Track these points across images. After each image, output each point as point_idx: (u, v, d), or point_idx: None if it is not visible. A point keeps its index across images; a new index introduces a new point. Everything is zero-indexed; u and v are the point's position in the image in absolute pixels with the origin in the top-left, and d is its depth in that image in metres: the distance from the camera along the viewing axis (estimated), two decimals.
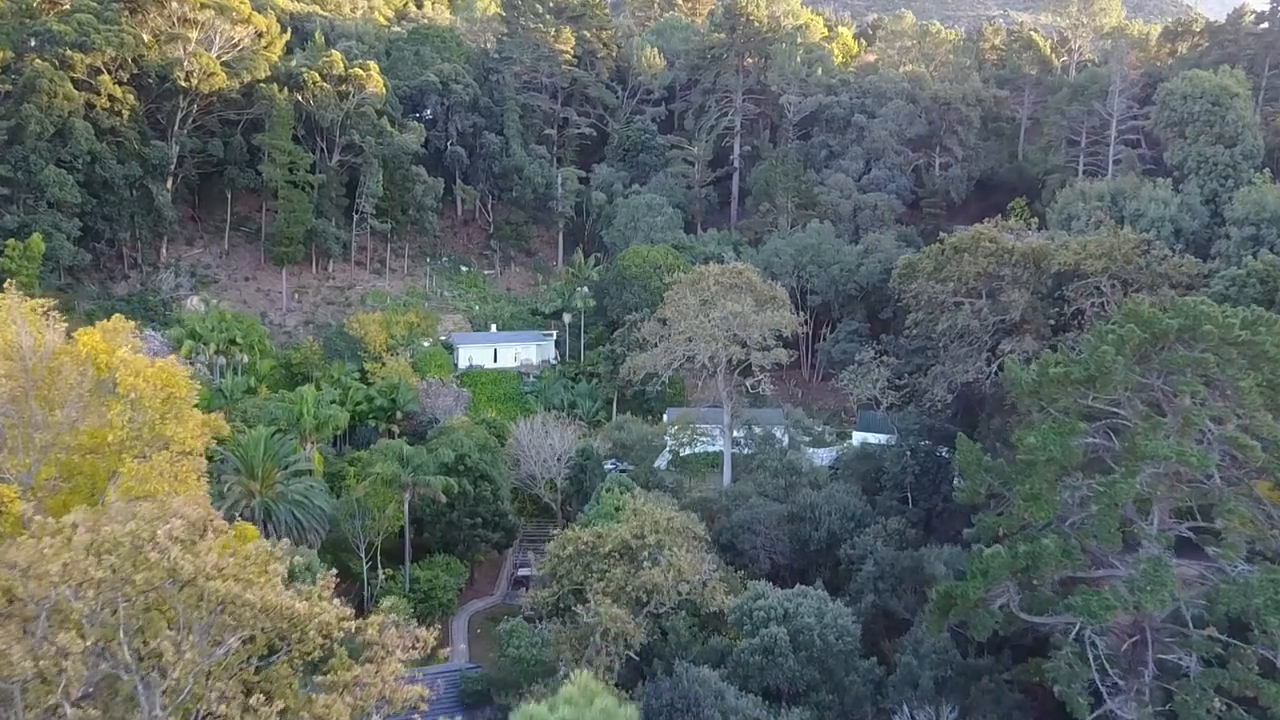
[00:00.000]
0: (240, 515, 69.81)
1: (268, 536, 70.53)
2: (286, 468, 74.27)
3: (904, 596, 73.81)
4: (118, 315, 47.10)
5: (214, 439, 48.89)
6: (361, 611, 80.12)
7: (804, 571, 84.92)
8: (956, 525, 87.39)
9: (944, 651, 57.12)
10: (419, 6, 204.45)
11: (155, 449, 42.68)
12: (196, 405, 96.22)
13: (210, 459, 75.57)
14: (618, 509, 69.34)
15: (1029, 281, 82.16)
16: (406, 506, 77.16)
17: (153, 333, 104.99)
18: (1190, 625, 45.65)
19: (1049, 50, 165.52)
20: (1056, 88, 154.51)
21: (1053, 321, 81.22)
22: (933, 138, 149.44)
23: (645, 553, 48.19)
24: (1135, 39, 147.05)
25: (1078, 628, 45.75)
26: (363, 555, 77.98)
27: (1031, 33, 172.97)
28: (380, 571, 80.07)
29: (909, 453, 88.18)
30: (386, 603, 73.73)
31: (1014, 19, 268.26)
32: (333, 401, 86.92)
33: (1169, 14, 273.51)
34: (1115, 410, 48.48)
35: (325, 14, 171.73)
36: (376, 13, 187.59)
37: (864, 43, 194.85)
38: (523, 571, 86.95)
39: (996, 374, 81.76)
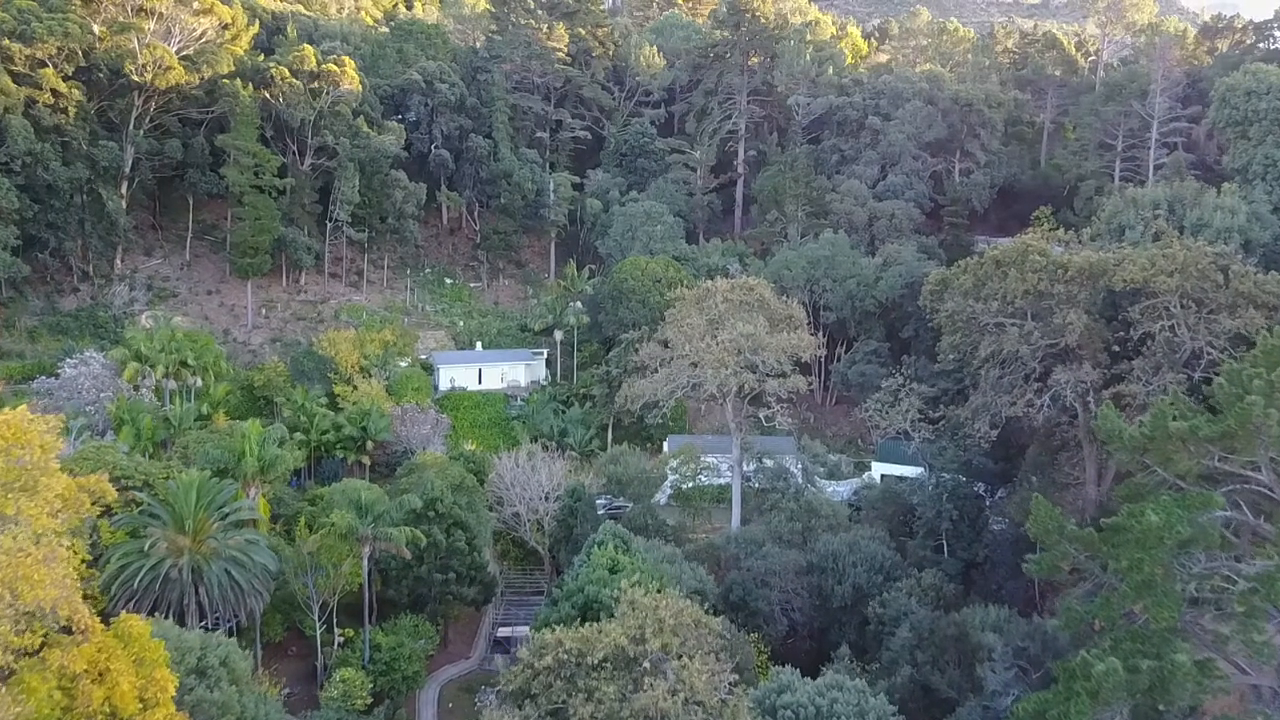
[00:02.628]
0: (166, 576, 59.19)
1: (198, 601, 60.07)
2: (226, 517, 63.46)
3: (947, 670, 63.00)
4: None
5: (95, 501, 37.90)
6: (315, 682, 69.92)
7: (825, 631, 74.63)
8: (999, 578, 76.97)
9: None
10: (409, 8, 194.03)
11: None
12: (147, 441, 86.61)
13: (138, 505, 65.30)
14: (612, 570, 58.71)
15: (1085, 301, 71.54)
16: (367, 561, 66.36)
17: (95, 354, 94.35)
18: None
19: (1074, 50, 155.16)
20: (1084, 89, 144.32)
21: (1116, 347, 70.51)
22: (952, 142, 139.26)
23: (646, 662, 37.49)
24: (1173, 36, 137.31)
25: None
26: (316, 615, 67.15)
27: (1055, 32, 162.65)
28: (337, 633, 69.30)
29: (944, 495, 77.52)
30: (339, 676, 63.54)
31: (1019, 26, 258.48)
32: (283, 440, 75.90)
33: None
34: (1249, 474, 37.93)
35: (309, 14, 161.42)
36: (363, 13, 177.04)
37: (874, 43, 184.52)
38: (504, 631, 76.18)
39: (1048, 406, 71.12)
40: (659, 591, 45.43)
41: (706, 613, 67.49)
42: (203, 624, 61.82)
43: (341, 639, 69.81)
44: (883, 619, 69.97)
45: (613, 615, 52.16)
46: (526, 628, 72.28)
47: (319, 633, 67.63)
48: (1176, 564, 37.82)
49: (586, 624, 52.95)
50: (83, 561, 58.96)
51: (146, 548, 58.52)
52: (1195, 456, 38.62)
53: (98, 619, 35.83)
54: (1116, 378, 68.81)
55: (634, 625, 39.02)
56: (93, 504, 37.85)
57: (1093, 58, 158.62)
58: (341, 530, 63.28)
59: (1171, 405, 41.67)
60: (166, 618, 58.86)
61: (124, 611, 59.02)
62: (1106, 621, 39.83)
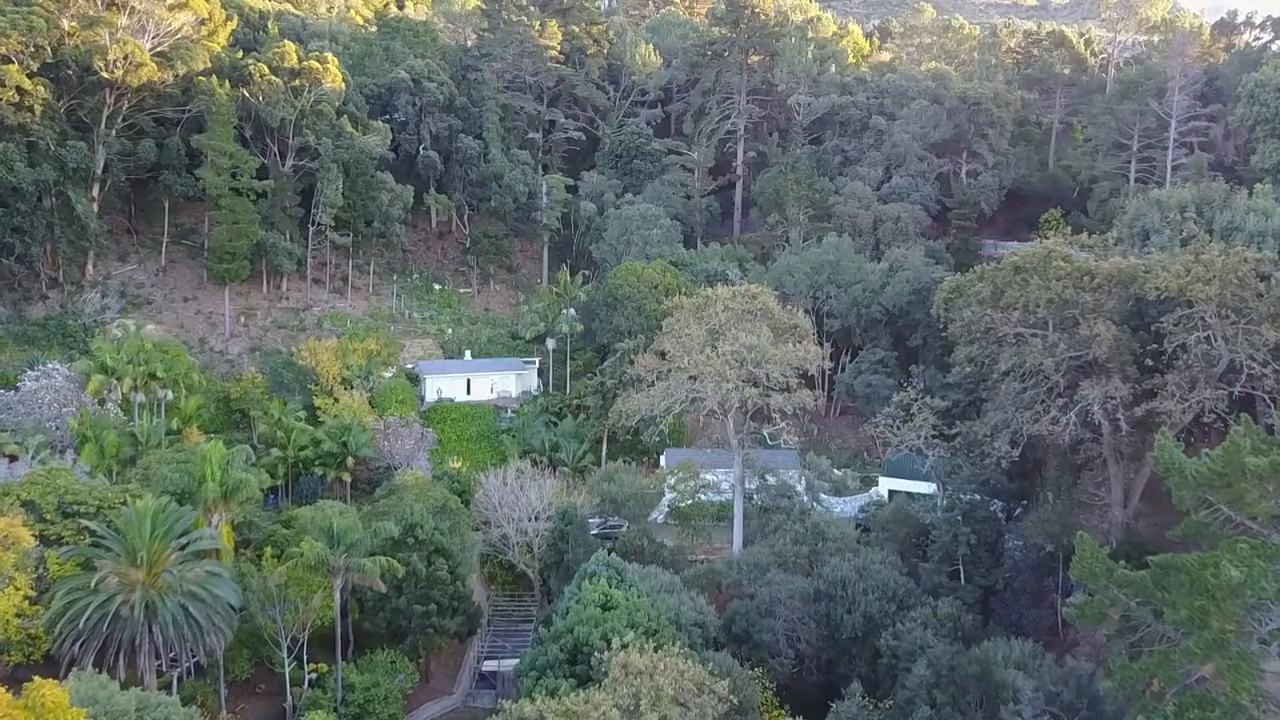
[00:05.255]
0: (116, 614, 54.08)
1: (151, 641, 55.04)
2: (185, 547, 58.41)
3: (969, 712, 58.15)
4: None
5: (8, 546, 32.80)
6: None
7: (834, 664, 69.62)
8: (1020, 606, 72.00)
9: None
10: (400, 8, 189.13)
11: None
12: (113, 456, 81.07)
13: (92, 536, 60.22)
14: (604, 608, 53.71)
15: (1113, 310, 66.66)
16: (339, 593, 61.29)
17: (58, 365, 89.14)
18: None
19: (1083, 48, 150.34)
20: (1094, 88, 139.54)
21: (1149, 361, 65.58)
22: (959, 142, 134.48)
23: None
24: (1189, 32, 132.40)
25: None
26: (285, 651, 62.04)
27: (1063, 29, 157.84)
28: (307, 669, 64.22)
29: (961, 517, 72.45)
30: None
31: (1020, 27, 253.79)
32: (250, 460, 70.75)
33: None
34: None
35: (297, 13, 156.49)
36: (353, 12, 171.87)
37: (876, 42, 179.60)
38: (489, 665, 71.15)
39: (1074, 425, 66.20)
40: (655, 647, 40.33)
41: (707, 647, 63.49)
42: (158, 664, 57.09)
43: (313, 675, 64.85)
44: (896, 652, 65.10)
45: (603, 663, 47.42)
46: (514, 661, 67.48)
47: (288, 670, 62.57)
48: (1249, 619, 32.98)
49: (575, 670, 48.27)
50: (25, 598, 54.59)
51: (94, 583, 53.44)
52: (1274, 496, 33.84)
53: (3, 689, 30.75)
54: (1148, 393, 63.90)
55: (628, 694, 34.09)
56: (5, 549, 32.61)
57: (1101, 56, 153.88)
58: (310, 561, 58.20)
59: (1244, 436, 36.81)
60: (117, 659, 54.40)
61: (70, 652, 55.00)
62: (1167, 681, 34.96)
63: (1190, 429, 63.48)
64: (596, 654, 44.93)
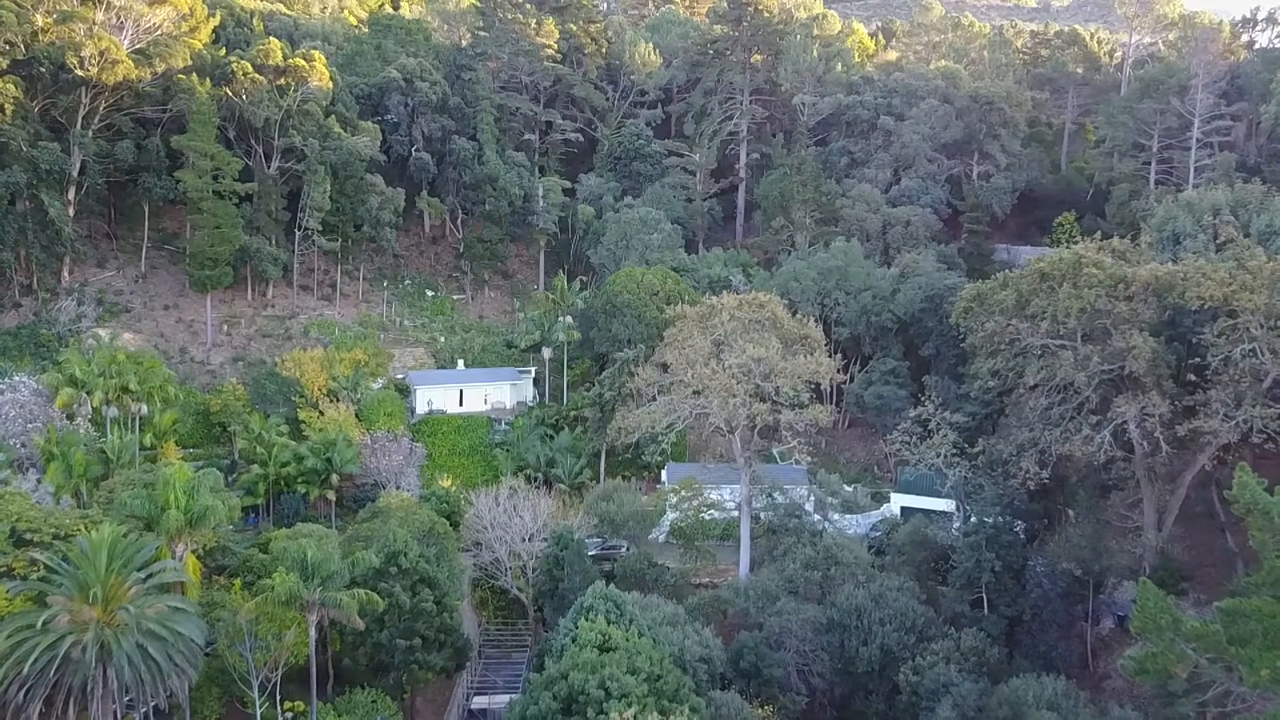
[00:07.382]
0: (67, 656, 49.32)
1: (106, 685, 50.26)
2: (147, 580, 53.63)
3: None
4: None
5: None
6: None
7: (849, 700, 65.11)
8: (1049, 639, 67.27)
9: None
10: (395, 8, 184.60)
11: None
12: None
13: (48, 572, 55.45)
14: (602, 649, 48.99)
15: (1148, 321, 62.05)
16: (314, 630, 56.53)
17: (25, 379, 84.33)
18: None
19: (1096, 47, 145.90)
20: (1108, 88, 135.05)
21: (1192, 375, 60.96)
22: (970, 143, 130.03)
23: None
24: (1210, 28, 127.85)
25: None
26: (256, 691, 57.29)
27: (1077, 28, 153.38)
28: (281, 709, 59.45)
29: (984, 542, 67.66)
30: None
31: (1025, 28, 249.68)
32: (221, 483, 65.90)
33: None
34: None
35: (289, 13, 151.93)
36: (347, 13, 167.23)
37: (881, 41, 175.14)
38: (479, 701, 66.44)
39: (1109, 444, 61.54)
40: (661, 714, 35.64)
41: (713, 685, 58.89)
42: (115, 707, 52.30)
43: (289, 715, 60.08)
44: (917, 689, 60.64)
45: (602, 710, 42.91)
46: (506, 697, 62.90)
47: (260, 710, 57.82)
48: None
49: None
50: None
51: (40, 622, 48.70)
52: None
53: None
54: (1189, 410, 59.25)
55: None
56: None
57: (1117, 56, 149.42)
58: (282, 596, 53.46)
59: None
60: (67, 705, 49.75)
61: (15, 698, 50.23)
62: None
63: (1235, 449, 58.86)
64: (592, 710, 40.41)
